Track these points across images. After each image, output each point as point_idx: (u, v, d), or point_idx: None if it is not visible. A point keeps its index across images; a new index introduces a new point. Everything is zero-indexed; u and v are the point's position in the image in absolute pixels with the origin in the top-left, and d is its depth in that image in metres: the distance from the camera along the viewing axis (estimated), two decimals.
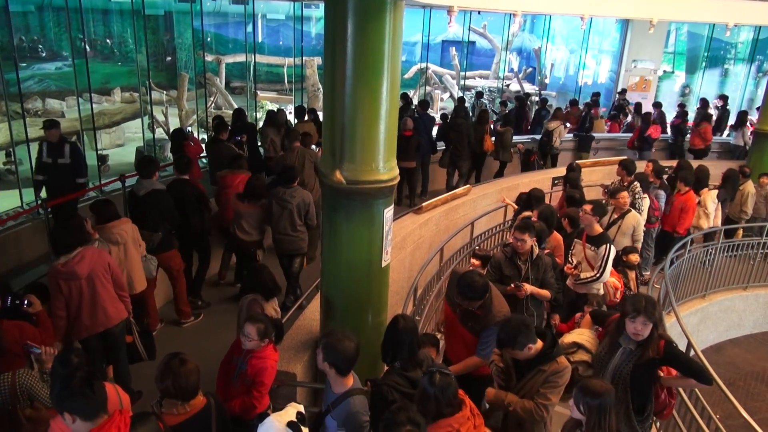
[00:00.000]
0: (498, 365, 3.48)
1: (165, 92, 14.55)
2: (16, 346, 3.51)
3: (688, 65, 18.27)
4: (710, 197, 7.70)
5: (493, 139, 10.46)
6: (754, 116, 13.21)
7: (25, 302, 3.77)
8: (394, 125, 3.65)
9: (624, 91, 15.14)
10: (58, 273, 4.04)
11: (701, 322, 7.71)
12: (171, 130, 10.15)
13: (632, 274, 5.81)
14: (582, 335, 3.87)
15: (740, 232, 8.48)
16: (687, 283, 7.52)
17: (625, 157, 7.91)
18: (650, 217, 7.05)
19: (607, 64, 17.65)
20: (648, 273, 7.42)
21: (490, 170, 10.86)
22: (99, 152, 10.53)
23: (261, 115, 12.95)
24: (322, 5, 3.88)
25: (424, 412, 2.67)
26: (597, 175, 9.34)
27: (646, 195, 6.94)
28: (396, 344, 3.23)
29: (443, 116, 11.42)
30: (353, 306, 3.98)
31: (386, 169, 3.66)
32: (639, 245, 6.27)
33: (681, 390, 4.03)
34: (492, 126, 11.01)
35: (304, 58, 15.01)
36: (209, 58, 16.23)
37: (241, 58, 16.72)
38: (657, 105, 13.16)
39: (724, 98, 13.81)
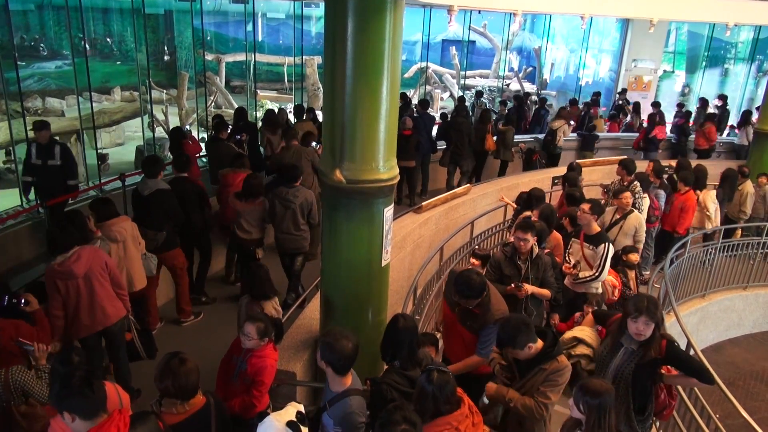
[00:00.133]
0: (500, 362, 3.48)
1: (165, 91, 14.52)
2: (12, 344, 3.51)
3: (689, 65, 18.25)
4: (710, 197, 7.71)
5: (495, 138, 10.46)
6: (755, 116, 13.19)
7: (22, 301, 3.77)
8: (394, 124, 3.65)
9: (624, 90, 15.14)
10: (54, 273, 4.04)
11: (701, 322, 7.71)
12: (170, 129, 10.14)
13: (632, 274, 5.81)
14: (582, 331, 3.88)
15: (739, 231, 8.49)
16: (687, 282, 7.51)
17: (625, 157, 7.91)
18: (650, 216, 7.06)
19: (607, 64, 17.65)
20: (648, 272, 7.43)
21: (491, 170, 10.85)
22: (99, 151, 10.52)
23: (261, 114, 12.94)
24: (322, 4, 3.87)
25: (422, 410, 2.67)
26: (597, 174, 9.34)
27: (646, 194, 6.95)
28: (396, 343, 3.23)
29: (443, 115, 11.41)
30: (353, 305, 3.98)
31: (386, 169, 3.66)
32: (641, 246, 6.27)
33: (681, 390, 4.03)
34: (494, 125, 11.01)
35: (304, 57, 15.01)
36: (209, 57, 16.21)
37: (241, 57, 16.69)
38: (656, 104, 13.06)
39: (723, 98, 13.78)
